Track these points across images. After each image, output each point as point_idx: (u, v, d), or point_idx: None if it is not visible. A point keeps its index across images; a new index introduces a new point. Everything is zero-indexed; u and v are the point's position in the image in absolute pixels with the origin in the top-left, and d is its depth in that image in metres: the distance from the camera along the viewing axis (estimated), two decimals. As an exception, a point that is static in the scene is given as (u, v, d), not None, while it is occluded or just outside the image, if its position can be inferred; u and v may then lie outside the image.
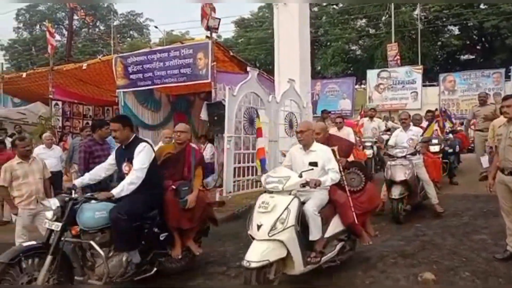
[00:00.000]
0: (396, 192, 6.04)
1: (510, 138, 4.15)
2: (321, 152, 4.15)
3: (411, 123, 6.91)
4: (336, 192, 4.17)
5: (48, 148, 7.97)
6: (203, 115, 9.88)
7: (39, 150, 7.58)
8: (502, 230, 4.61)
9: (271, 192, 3.66)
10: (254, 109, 8.70)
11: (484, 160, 8.28)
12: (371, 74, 22.51)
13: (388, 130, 10.17)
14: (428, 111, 9.51)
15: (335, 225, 4.04)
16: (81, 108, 13.93)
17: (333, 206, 4.08)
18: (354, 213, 4.10)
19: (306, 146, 4.23)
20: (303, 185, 3.70)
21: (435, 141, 8.23)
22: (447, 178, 8.72)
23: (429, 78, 24.34)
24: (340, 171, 4.21)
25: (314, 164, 4.07)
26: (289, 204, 3.53)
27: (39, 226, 4.87)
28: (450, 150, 8.79)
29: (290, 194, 3.65)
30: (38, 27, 40.00)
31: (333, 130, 8.40)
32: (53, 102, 12.74)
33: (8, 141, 9.81)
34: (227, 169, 7.91)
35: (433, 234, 5.40)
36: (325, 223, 3.91)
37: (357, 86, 24.29)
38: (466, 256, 4.48)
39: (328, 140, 4.69)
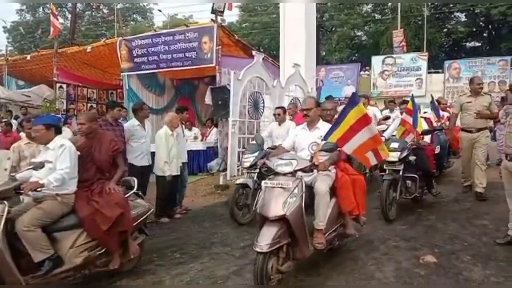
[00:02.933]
0: (263, 239, 3.18)
1: (511, 125, 4.33)
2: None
3: (320, 118, 4.20)
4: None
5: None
6: (207, 99, 9.91)
7: None
8: (503, 216, 4.68)
9: None
10: (259, 93, 8.72)
11: (479, 174, 6.17)
12: (376, 61, 22.35)
13: (387, 118, 9.65)
14: (403, 101, 7.34)
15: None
16: (85, 91, 13.97)
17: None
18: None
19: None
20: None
21: (394, 144, 5.54)
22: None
23: (434, 65, 24.15)
24: None
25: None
26: None
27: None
28: (413, 158, 5.59)
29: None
30: (41, 9, 39.71)
31: (274, 125, 6.94)
32: (58, 85, 12.77)
33: (14, 123, 9.89)
34: (231, 153, 7.96)
35: (435, 219, 5.46)
36: None
37: (361, 73, 24.15)
38: (467, 240, 4.55)
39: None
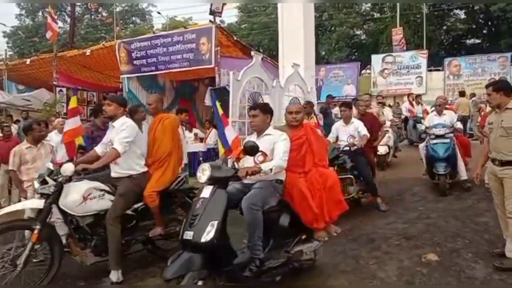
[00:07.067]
0: None
1: (502, 128, 3.81)
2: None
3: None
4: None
5: (60, 133, 8.01)
6: (207, 100, 9.90)
7: (51, 136, 7.63)
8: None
9: None
10: (258, 94, 8.70)
11: None
12: (376, 59, 22.31)
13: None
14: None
15: None
16: (85, 94, 13.93)
17: None
18: None
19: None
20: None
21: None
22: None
23: (434, 62, 24.11)
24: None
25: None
26: None
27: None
28: None
29: None
30: (40, 13, 39.76)
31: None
32: (58, 89, 12.76)
33: (14, 127, 9.89)
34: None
35: (436, 217, 5.44)
36: None
37: (363, 72, 24.13)
38: (469, 238, 4.54)
39: None
